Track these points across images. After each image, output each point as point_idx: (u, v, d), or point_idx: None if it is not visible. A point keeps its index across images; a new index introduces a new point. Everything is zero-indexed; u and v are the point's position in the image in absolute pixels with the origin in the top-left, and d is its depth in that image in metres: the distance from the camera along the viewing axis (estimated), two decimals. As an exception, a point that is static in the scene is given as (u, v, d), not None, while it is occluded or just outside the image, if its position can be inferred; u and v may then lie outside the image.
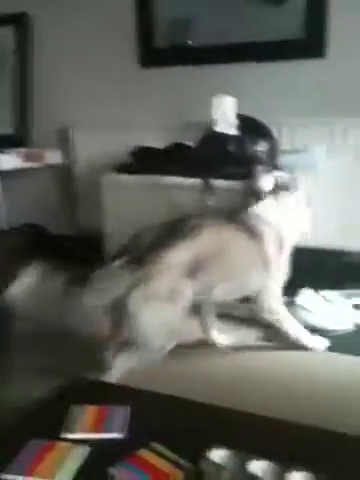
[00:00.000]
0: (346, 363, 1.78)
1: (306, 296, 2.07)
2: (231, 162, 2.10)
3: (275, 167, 2.19)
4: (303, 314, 2.03)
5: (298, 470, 0.91)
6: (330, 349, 1.87)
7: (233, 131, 2.20)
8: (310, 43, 2.31)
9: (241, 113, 2.23)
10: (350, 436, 1.12)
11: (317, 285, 2.18)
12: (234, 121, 2.22)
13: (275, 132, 2.28)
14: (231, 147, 2.13)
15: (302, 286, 2.14)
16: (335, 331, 1.99)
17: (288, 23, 2.34)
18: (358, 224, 2.28)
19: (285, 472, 0.94)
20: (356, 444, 1.07)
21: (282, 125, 2.33)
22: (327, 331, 1.96)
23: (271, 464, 0.96)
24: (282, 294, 1.86)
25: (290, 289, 2.20)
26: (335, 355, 1.83)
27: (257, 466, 1.00)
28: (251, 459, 1.00)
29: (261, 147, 2.17)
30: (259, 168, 2.06)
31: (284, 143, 2.32)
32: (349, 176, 2.26)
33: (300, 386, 1.61)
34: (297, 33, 2.33)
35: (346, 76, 2.27)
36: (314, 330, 1.93)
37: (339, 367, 1.76)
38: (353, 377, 1.69)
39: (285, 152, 2.26)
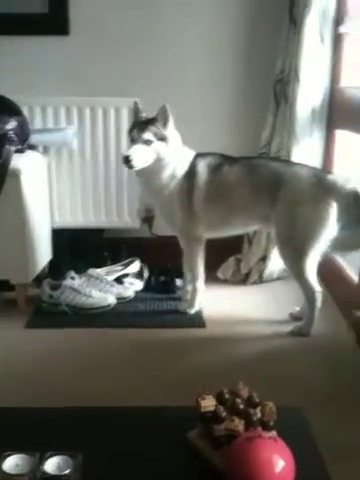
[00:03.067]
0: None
1: (73, 278, 2.05)
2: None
3: (27, 146, 2.10)
4: (72, 296, 2.01)
5: (54, 455, 0.87)
6: (94, 325, 1.92)
7: (-24, 108, 2.02)
8: (53, 19, 2.23)
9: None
10: (96, 408, 1.12)
11: (81, 264, 2.18)
12: (-24, 97, 2.03)
13: (25, 112, 2.16)
14: (-26, 125, 1.95)
15: (68, 267, 2.11)
16: (102, 308, 2.02)
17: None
18: (111, 201, 2.31)
19: (42, 460, 0.89)
20: (104, 414, 1.08)
21: (32, 104, 2.22)
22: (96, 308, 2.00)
23: (26, 456, 0.90)
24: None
25: (57, 272, 2.16)
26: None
27: (12, 461, 0.92)
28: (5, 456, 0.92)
29: (10, 126, 2.04)
30: (8, 147, 1.95)
31: (35, 122, 2.21)
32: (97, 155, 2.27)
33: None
34: (40, 8, 2.23)
35: (89, 55, 2.26)
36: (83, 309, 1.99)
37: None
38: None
39: (36, 131, 2.16)
